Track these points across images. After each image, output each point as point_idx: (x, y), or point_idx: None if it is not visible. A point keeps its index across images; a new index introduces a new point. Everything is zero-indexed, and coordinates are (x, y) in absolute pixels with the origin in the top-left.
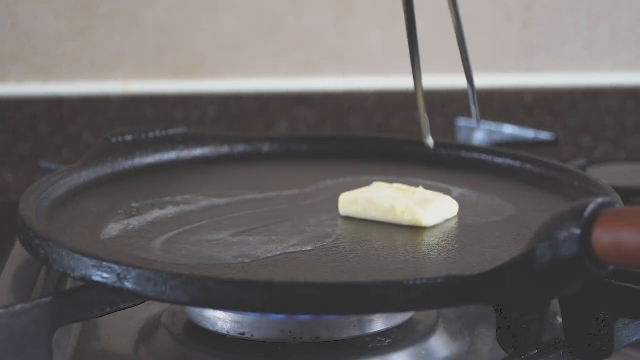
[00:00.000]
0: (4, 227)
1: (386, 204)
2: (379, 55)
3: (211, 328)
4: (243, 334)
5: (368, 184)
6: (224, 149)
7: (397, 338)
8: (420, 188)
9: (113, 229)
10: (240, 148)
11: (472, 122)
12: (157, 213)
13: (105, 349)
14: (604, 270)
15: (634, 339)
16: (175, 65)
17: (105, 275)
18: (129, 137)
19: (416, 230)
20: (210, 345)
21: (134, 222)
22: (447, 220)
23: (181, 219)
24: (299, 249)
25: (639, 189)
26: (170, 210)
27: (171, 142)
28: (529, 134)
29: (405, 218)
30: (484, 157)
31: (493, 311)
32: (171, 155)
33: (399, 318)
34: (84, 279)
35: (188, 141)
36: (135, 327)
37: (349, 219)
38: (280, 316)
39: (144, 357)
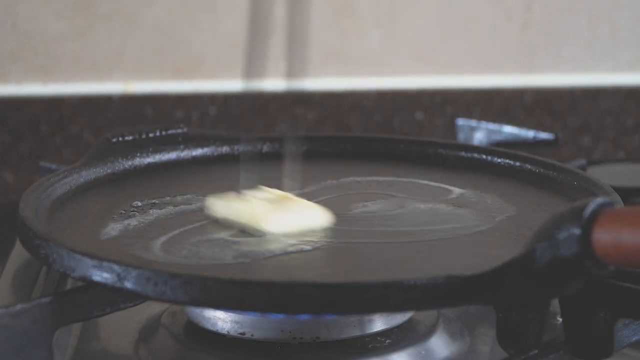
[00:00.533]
0: (4, 227)
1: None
2: (379, 55)
3: (211, 328)
4: (243, 334)
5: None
6: (224, 149)
7: (397, 338)
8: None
9: (113, 229)
10: (240, 148)
11: (472, 122)
12: (157, 213)
13: (105, 349)
14: (604, 270)
15: (634, 339)
16: (175, 65)
17: (105, 275)
18: (129, 137)
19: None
20: (210, 345)
21: (134, 222)
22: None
23: (181, 219)
24: (298, 249)
25: (639, 189)
26: (170, 210)
27: (171, 142)
28: (529, 134)
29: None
30: (484, 157)
31: (493, 311)
32: (171, 155)
33: (399, 318)
34: (84, 279)
35: (188, 141)
36: (135, 327)
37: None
38: (280, 316)
39: (144, 357)
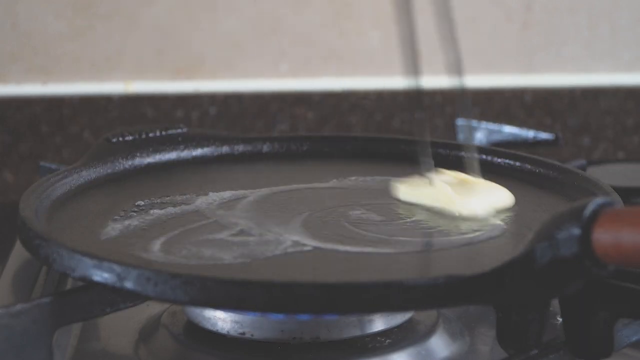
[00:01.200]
0: (4, 227)
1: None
2: (379, 55)
3: (211, 328)
4: (243, 334)
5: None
6: (224, 149)
7: (397, 338)
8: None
9: (113, 229)
10: (240, 148)
11: (472, 122)
12: (157, 213)
13: (105, 349)
14: (604, 270)
15: (634, 339)
16: (175, 65)
17: (105, 275)
18: (129, 137)
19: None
20: (210, 345)
21: (134, 222)
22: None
23: (181, 219)
24: (299, 249)
25: (639, 189)
26: (170, 210)
27: (171, 142)
28: (529, 134)
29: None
30: (484, 157)
31: (493, 311)
32: (171, 155)
33: (399, 318)
34: (84, 279)
35: (188, 141)
36: (135, 327)
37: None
38: (280, 316)
39: (144, 357)
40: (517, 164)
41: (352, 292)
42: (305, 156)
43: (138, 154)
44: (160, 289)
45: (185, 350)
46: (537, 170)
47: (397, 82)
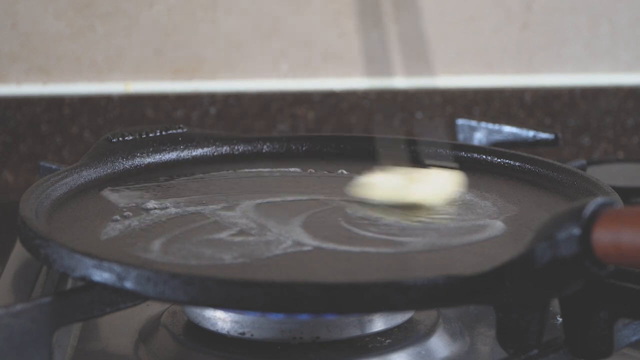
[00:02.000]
0: (4, 227)
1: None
2: (379, 55)
3: (211, 328)
4: (243, 334)
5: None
6: (224, 149)
7: (397, 338)
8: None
9: (113, 229)
10: (240, 148)
11: (472, 122)
12: (157, 213)
13: (105, 349)
14: (604, 270)
15: (634, 339)
16: (175, 65)
17: (105, 275)
18: (129, 137)
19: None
20: (210, 345)
21: (134, 222)
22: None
23: (181, 219)
24: (298, 249)
25: (639, 189)
26: (170, 210)
27: (171, 142)
28: (529, 134)
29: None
30: (484, 157)
31: (493, 311)
32: (171, 155)
33: (399, 318)
34: (84, 279)
35: (188, 141)
36: (135, 327)
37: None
38: (280, 316)
39: (144, 357)
40: (517, 164)
41: (352, 292)
42: (305, 156)
43: (138, 154)
44: (160, 289)
45: (185, 350)
46: (537, 170)
47: (397, 82)
